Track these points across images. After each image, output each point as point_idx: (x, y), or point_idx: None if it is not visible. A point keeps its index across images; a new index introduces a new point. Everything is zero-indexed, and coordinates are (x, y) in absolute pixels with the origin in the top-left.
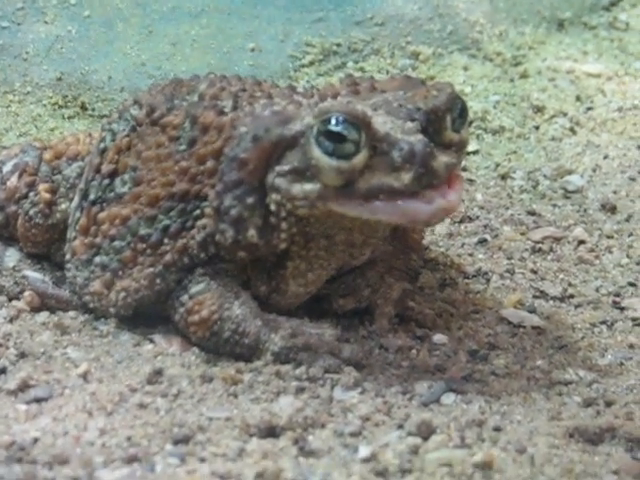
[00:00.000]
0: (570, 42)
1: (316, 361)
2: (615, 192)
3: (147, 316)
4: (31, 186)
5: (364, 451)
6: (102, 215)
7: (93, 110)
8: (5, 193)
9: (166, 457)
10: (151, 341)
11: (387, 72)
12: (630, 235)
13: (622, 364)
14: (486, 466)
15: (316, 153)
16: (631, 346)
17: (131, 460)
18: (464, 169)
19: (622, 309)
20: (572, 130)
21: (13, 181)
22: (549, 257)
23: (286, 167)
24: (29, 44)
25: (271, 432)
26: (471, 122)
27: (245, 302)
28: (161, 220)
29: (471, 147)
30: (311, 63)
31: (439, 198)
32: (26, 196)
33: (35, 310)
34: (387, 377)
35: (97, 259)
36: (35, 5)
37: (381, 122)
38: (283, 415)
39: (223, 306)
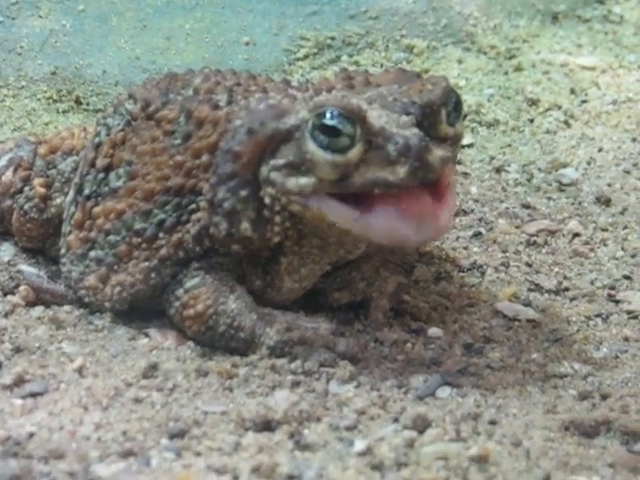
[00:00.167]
0: (564, 35)
1: (311, 355)
2: (610, 185)
3: (142, 310)
4: (26, 180)
5: (360, 445)
6: (97, 209)
7: (88, 104)
8: (0, 188)
9: (162, 451)
10: (146, 335)
11: (381, 65)
12: (625, 228)
13: (617, 357)
14: (482, 459)
15: (311, 147)
16: (626, 339)
17: (127, 454)
18: (459, 162)
19: (617, 302)
20: (566, 123)
21: (8, 175)
22: (544, 250)
23: (281, 161)
24: (23, 38)
25: (267, 426)
26: (466, 115)
27: (240, 296)
28: (156, 214)
29: (466, 140)
30: (305, 57)
31: (430, 222)
32: (21, 191)
33: (30, 305)
34: (382, 371)
35: (92, 253)
36: None
37: (376, 116)
38: (278, 409)
39: (218, 300)
